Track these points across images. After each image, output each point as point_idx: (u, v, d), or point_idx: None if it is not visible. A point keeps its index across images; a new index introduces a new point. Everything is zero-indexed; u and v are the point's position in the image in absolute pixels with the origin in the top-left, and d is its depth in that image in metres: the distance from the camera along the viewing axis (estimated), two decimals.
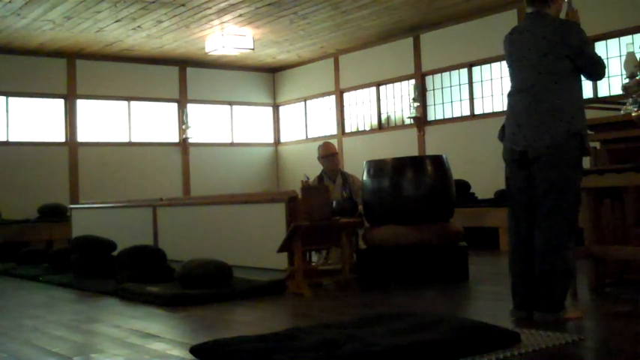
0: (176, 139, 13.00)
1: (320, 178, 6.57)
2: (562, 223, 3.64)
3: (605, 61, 8.66)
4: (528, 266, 3.75)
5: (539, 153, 3.65)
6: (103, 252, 6.57)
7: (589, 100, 7.15)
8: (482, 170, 9.86)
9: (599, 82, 8.90)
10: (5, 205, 10.72)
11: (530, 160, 3.71)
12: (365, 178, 5.81)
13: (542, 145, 3.64)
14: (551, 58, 3.69)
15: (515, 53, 3.88)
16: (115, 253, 6.37)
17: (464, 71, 10.65)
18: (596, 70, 3.78)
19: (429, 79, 11.23)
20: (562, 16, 3.88)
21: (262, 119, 14.19)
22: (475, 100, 10.50)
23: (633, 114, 4.43)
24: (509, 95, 3.92)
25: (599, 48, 8.92)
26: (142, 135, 12.68)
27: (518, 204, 3.83)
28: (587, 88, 8.88)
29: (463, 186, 8.96)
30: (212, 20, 10.00)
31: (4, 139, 11.41)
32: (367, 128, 12.33)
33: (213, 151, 13.34)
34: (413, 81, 11.31)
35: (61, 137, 11.90)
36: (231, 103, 13.72)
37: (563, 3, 3.89)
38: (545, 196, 3.66)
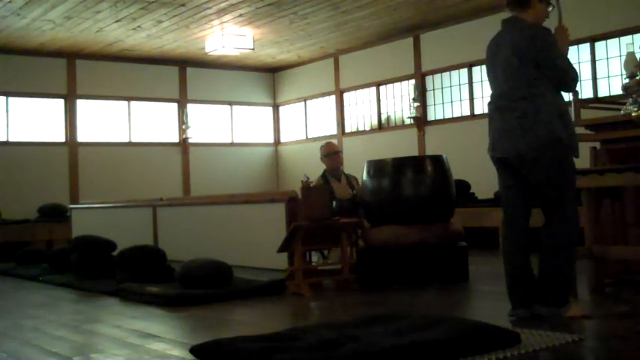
0: (176, 139, 13.00)
1: (324, 178, 6.55)
2: (565, 222, 3.66)
3: (605, 62, 8.82)
4: (522, 263, 3.77)
5: (520, 161, 3.67)
6: (103, 252, 6.56)
7: (589, 100, 7.15)
8: (482, 170, 9.80)
9: (598, 82, 8.90)
10: (5, 205, 10.72)
11: (515, 166, 3.72)
12: (365, 178, 5.81)
13: (519, 152, 3.64)
14: (516, 62, 3.65)
15: (490, 60, 3.87)
16: (115, 253, 6.37)
17: (464, 71, 10.65)
18: (563, 78, 3.65)
19: (429, 79, 11.23)
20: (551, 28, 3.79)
21: (262, 119, 14.20)
22: (475, 100, 10.49)
23: (633, 114, 4.43)
24: (488, 104, 3.91)
25: (599, 48, 8.93)
26: (142, 135, 12.68)
27: (505, 203, 3.87)
28: (587, 89, 8.88)
29: (463, 186, 8.96)
30: (212, 20, 10.01)
31: (4, 139, 11.41)
32: (367, 128, 12.33)
33: (213, 151, 13.34)
34: (413, 81, 11.32)
35: (61, 137, 11.90)
36: (231, 103, 13.72)
37: (547, 12, 3.79)
38: (543, 199, 3.69)
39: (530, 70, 3.63)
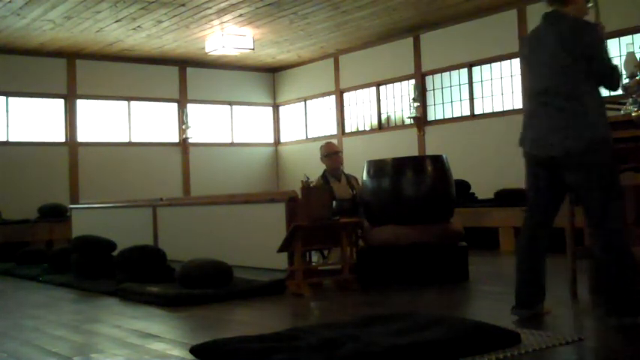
0: (176, 139, 13.00)
1: (324, 178, 6.55)
2: (613, 225, 3.50)
3: None
4: (537, 266, 3.72)
5: (567, 161, 3.54)
6: (103, 252, 6.56)
7: None
8: (483, 170, 9.86)
9: None
10: (5, 205, 10.72)
11: (558, 166, 3.60)
12: (365, 178, 5.81)
13: (567, 151, 3.51)
14: (564, 58, 3.55)
15: (531, 54, 3.75)
16: (115, 253, 6.37)
17: (464, 71, 10.65)
18: (611, 76, 3.57)
19: (429, 79, 11.23)
20: None
21: (262, 119, 14.20)
22: (475, 100, 10.50)
23: (633, 114, 4.42)
24: (527, 98, 3.80)
25: None
26: (142, 135, 12.68)
27: (534, 203, 3.76)
28: None
29: (463, 186, 8.95)
30: (212, 20, 10.01)
31: (4, 139, 11.41)
32: (367, 128, 12.33)
33: (213, 151, 13.34)
34: (413, 81, 11.32)
35: (61, 137, 11.90)
36: (231, 103, 13.72)
37: (586, 8, 3.72)
38: (589, 202, 3.55)
39: (579, 66, 3.53)
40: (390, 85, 11.93)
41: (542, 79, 3.68)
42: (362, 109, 12.46)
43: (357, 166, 6.96)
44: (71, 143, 11.90)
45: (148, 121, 12.78)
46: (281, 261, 5.71)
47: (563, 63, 3.57)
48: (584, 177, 3.54)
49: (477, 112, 10.45)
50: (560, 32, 3.60)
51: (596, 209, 3.55)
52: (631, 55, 4.77)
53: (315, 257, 6.00)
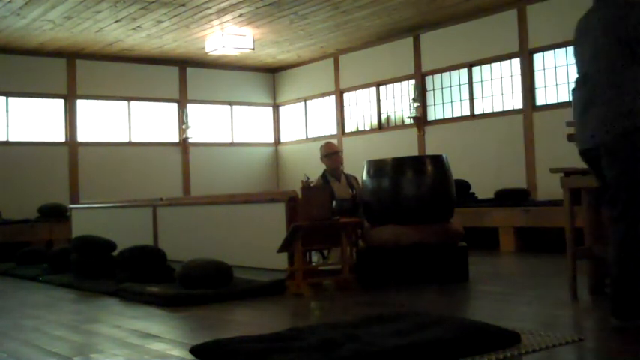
0: (176, 139, 13.00)
1: (324, 178, 6.55)
2: (635, 225, 3.33)
3: None
4: None
5: (602, 151, 3.40)
6: (103, 252, 6.56)
7: None
8: (482, 170, 9.87)
9: None
10: (5, 205, 10.72)
11: (598, 158, 3.47)
12: (365, 178, 5.81)
13: (602, 141, 3.37)
14: (605, 42, 3.37)
15: (578, 40, 3.57)
16: (115, 253, 6.37)
17: (464, 71, 10.64)
18: None
19: (429, 79, 11.23)
20: None
21: (262, 119, 14.20)
22: (475, 100, 10.49)
23: None
24: (572, 90, 3.64)
25: None
26: (142, 135, 12.68)
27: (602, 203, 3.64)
28: None
29: (463, 186, 8.96)
30: (212, 20, 10.01)
31: (4, 139, 11.41)
32: (367, 128, 12.33)
33: (213, 151, 13.34)
34: (413, 81, 11.31)
35: (61, 137, 11.90)
36: (231, 103, 13.72)
37: None
38: (616, 197, 3.40)
39: (622, 50, 3.33)
40: (390, 85, 11.93)
41: (585, 65, 3.51)
42: (362, 109, 12.46)
43: (357, 166, 6.96)
44: (71, 143, 11.90)
45: (148, 121, 12.78)
46: (281, 261, 5.71)
47: (603, 48, 3.39)
48: (614, 169, 3.38)
49: (477, 112, 10.44)
50: (603, 15, 3.43)
51: (618, 206, 3.38)
52: None
53: (315, 257, 6.00)
